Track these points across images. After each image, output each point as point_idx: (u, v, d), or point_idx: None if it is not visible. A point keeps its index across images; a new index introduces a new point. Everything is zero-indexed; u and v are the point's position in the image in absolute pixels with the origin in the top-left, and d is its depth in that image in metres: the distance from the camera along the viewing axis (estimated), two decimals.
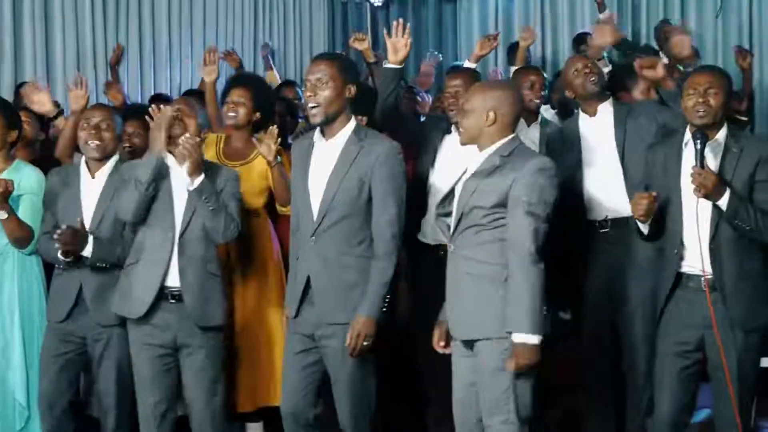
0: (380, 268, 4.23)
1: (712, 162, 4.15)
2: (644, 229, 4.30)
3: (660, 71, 4.83)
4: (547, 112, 6.44)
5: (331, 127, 4.30)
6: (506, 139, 4.02)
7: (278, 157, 5.11)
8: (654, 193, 4.19)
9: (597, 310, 5.12)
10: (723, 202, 4.08)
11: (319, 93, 4.23)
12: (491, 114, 3.99)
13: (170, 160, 4.57)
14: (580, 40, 8.25)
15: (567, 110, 6.33)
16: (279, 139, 5.11)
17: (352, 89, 4.30)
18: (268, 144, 5.08)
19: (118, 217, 4.60)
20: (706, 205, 4.12)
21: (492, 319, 3.89)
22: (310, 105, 4.25)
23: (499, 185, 3.92)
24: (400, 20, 4.91)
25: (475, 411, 4.04)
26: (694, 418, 4.52)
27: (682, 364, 4.26)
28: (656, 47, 7.70)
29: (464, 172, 4.09)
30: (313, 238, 4.28)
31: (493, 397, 3.92)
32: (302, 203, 4.36)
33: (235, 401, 5.26)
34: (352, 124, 4.34)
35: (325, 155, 4.32)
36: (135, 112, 5.61)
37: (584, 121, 5.21)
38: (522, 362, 3.80)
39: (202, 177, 4.46)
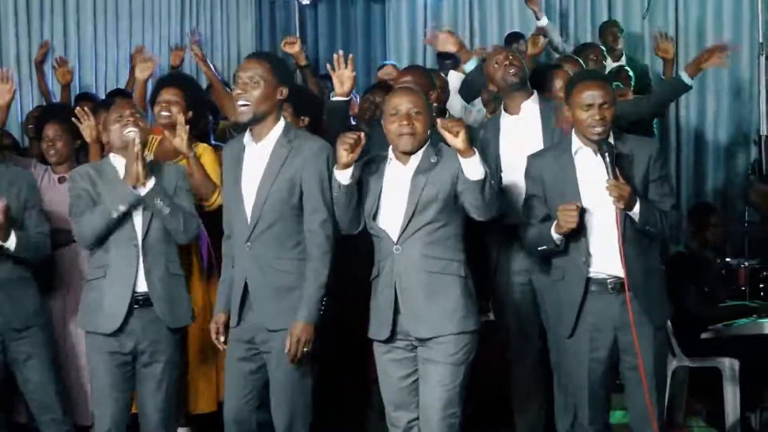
0: (315, 271, 4.18)
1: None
2: (560, 242, 4.28)
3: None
4: (480, 113, 6.45)
5: (260, 128, 4.24)
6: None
7: (193, 149, 5.05)
8: (578, 204, 4.20)
9: (520, 308, 5.00)
10: (636, 211, 4.16)
11: (249, 92, 4.18)
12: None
13: (120, 164, 4.48)
14: (510, 40, 8.27)
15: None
16: (188, 127, 5.08)
17: (284, 91, 4.25)
18: (179, 134, 5.03)
19: (78, 242, 4.52)
20: (608, 210, 4.18)
21: (454, 315, 4.03)
22: (240, 103, 4.20)
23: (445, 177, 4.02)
24: (341, 52, 4.99)
25: (410, 409, 4.11)
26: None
27: (601, 368, 4.31)
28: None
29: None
30: (248, 243, 4.21)
31: (449, 390, 4.01)
32: (235, 208, 4.29)
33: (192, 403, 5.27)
34: (282, 125, 4.28)
35: (256, 158, 4.25)
36: (56, 114, 5.50)
37: (506, 119, 5.04)
38: None
39: (152, 181, 4.38)
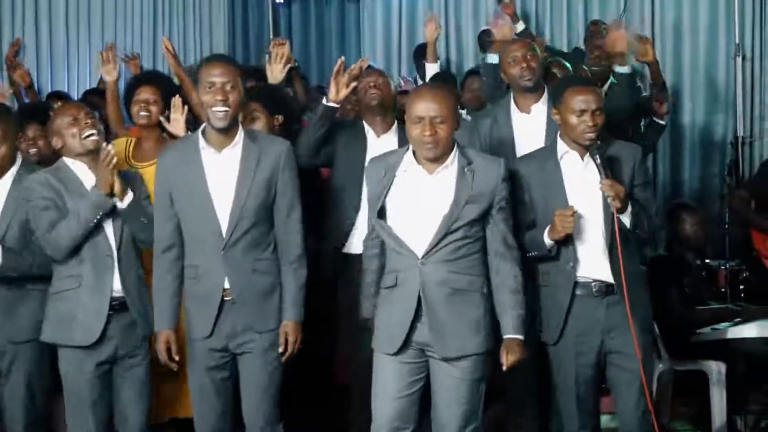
0: (295, 271, 4.22)
1: (595, 170, 4.20)
2: (552, 248, 4.25)
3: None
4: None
5: (227, 135, 4.18)
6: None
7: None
8: (574, 209, 4.16)
9: None
10: (628, 213, 4.16)
11: (229, 97, 4.10)
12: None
13: (80, 170, 4.38)
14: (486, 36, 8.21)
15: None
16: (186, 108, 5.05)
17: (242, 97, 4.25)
18: (176, 118, 5.01)
19: (50, 254, 4.34)
20: (595, 214, 4.20)
21: (479, 334, 3.99)
22: (220, 109, 4.10)
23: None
24: (343, 58, 5.03)
25: (408, 421, 4.04)
26: None
27: (589, 374, 4.30)
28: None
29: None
30: (224, 250, 4.14)
31: (470, 407, 3.99)
32: (199, 216, 4.17)
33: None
34: (241, 129, 4.25)
35: (223, 165, 4.18)
36: (35, 113, 5.39)
37: (517, 115, 5.02)
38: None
39: (131, 195, 4.30)
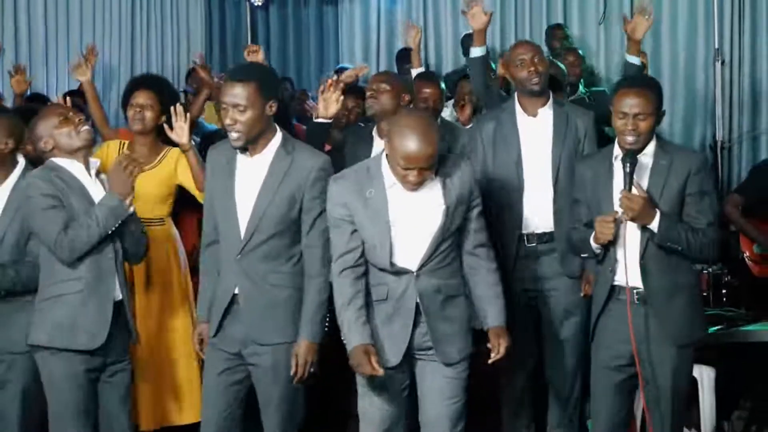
0: (317, 288, 4.07)
1: (644, 177, 4.12)
2: (599, 251, 4.21)
3: None
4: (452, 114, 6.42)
5: (255, 145, 4.07)
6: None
7: (191, 144, 4.95)
8: (616, 214, 4.08)
9: (519, 325, 4.77)
10: (654, 225, 4.06)
11: (237, 120, 3.97)
12: None
13: (77, 169, 4.31)
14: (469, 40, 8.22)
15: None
16: (188, 115, 4.98)
17: (273, 106, 4.05)
18: (180, 126, 4.91)
19: (60, 255, 4.18)
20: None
21: (468, 336, 4.02)
22: (232, 135, 4.00)
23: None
24: (334, 77, 4.99)
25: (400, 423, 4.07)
26: None
27: (617, 378, 4.24)
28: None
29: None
30: (239, 256, 4.08)
31: (459, 406, 4.00)
32: (225, 218, 4.13)
33: (137, 419, 5.00)
34: (279, 136, 4.11)
35: (252, 170, 4.08)
36: (22, 117, 5.30)
37: (522, 118, 4.95)
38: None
39: (132, 204, 4.26)
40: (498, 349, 3.94)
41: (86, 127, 4.30)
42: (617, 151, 4.21)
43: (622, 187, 4.05)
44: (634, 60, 5.38)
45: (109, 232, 4.16)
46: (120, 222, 4.18)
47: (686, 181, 4.15)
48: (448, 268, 3.97)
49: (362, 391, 4.06)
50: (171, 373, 5.14)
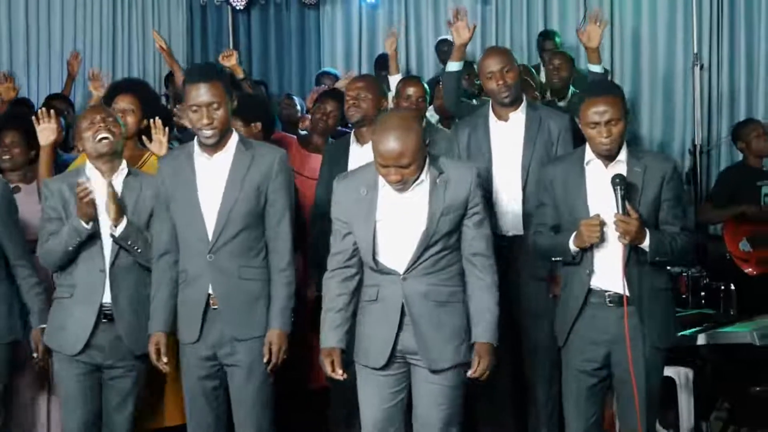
0: (285, 280, 4.18)
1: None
2: (577, 254, 4.21)
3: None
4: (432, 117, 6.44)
5: (220, 143, 4.17)
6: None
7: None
8: (601, 218, 4.11)
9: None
10: (646, 244, 4.10)
11: (213, 117, 4.08)
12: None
13: (94, 176, 4.38)
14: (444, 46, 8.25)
15: (449, 116, 6.33)
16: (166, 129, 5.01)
17: (235, 102, 4.22)
18: (158, 139, 4.96)
19: (43, 264, 4.46)
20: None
21: (462, 345, 3.99)
22: (208, 132, 4.09)
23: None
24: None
25: (397, 426, 4.06)
26: None
27: (589, 381, 4.27)
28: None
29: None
30: (210, 255, 4.14)
31: (451, 411, 3.99)
32: (189, 222, 4.19)
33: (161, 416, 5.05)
34: (235, 135, 4.24)
35: (213, 169, 4.18)
36: (12, 120, 5.33)
37: (495, 123, 5.03)
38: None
39: (124, 222, 4.29)
40: (475, 368, 3.94)
41: (104, 138, 4.32)
42: (589, 155, 4.24)
43: (616, 211, 4.05)
44: (597, 69, 5.51)
45: (70, 248, 4.27)
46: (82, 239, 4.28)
47: (661, 187, 4.19)
48: (440, 273, 3.97)
49: (358, 392, 4.12)
50: (157, 378, 5.12)
